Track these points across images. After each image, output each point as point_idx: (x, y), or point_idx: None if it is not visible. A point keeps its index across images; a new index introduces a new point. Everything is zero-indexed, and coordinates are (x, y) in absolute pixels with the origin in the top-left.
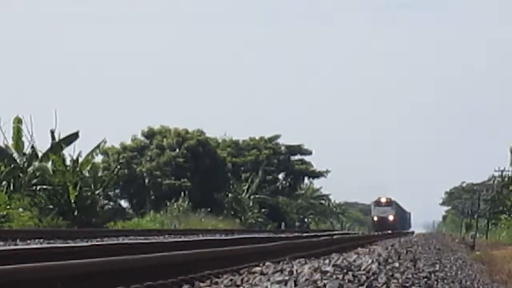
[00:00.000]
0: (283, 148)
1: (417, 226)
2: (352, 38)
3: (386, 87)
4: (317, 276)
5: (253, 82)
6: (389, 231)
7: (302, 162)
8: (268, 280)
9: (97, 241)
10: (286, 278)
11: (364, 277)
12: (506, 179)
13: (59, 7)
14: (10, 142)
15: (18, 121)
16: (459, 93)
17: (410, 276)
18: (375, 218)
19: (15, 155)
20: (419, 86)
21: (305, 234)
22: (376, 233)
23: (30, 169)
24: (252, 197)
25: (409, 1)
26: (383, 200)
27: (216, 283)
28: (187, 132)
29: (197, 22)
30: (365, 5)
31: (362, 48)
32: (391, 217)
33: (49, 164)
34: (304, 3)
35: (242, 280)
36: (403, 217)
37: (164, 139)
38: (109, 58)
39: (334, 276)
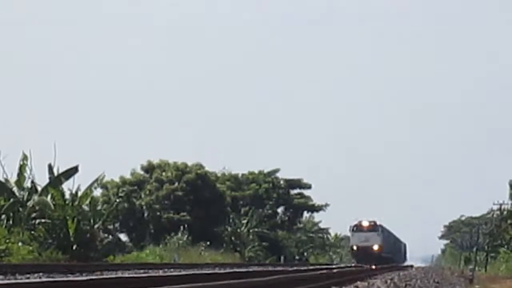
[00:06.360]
0: (282, 182)
1: (416, 259)
2: (350, 67)
3: (383, 119)
4: None
5: (252, 117)
6: (373, 266)
7: (301, 196)
8: None
9: (97, 275)
10: None
11: None
12: (505, 212)
13: (58, 36)
14: (14, 177)
15: (24, 157)
16: (458, 124)
17: None
18: (355, 248)
19: (15, 189)
20: (418, 117)
21: (303, 268)
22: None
23: (30, 203)
24: (251, 230)
25: (408, 14)
26: (365, 223)
27: None
28: (186, 166)
29: (195, 45)
30: (364, 33)
31: (361, 78)
32: (376, 246)
33: (48, 198)
34: (296, 31)
35: None
36: (395, 247)
37: (163, 173)
38: (108, 92)
39: None
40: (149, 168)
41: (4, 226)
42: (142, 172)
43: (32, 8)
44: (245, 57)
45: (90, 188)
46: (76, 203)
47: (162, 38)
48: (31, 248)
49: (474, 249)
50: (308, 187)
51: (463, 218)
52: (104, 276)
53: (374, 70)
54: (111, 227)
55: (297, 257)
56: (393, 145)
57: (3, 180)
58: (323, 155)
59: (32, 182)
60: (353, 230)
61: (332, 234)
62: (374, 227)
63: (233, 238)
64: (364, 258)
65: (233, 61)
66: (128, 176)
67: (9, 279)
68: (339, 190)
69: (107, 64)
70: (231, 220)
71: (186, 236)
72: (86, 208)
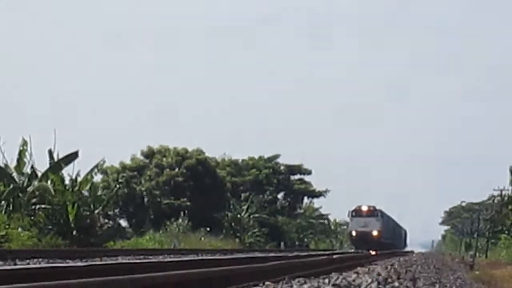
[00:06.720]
0: (282, 167)
1: (416, 245)
2: (351, 56)
3: (385, 106)
4: None
5: (253, 101)
6: (373, 252)
7: (302, 181)
8: None
9: (96, 261)
10: None
11: None
12: (505, 198)
13: (58, 24)
14: (14, 163)
15: (24, 143)
16: (460, 112)
17: None
18: (353, 233)
19: (15, 174)
20: (419, 106)
21: (303, 254)
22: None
23: (30, 189)
24: (251, 216)
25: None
26: (364, 208)
27: None
28: (186, 151)
29: (196, 38)
30: (364, 23)
31: (360, 64)
32: (375, 232)
33: (48, 184)
34: (299, 22)
35: None
36: (395, 232)
37: (164, 159)
38: (108, 77)
39: None
40: (149, 154)
41: (4, 212)
42: (142, 158)
43: (32, 8)
44: (246, 45)
45: (90, 173)
46: (76, 188)
47: (163, 20)
48: (31, 233)
49: (475, 235)
50: (309, 173)
51: (463, 204)
52: (104, 262)
53: (374, 59)
54: (111, 212)
55: (297, 243)
56: (394, 134)
57: (2, 165)
58: (324, 141)
59: (32, 167)
60: (352, 215)
61: (332, 220)
62: (373, 212)
63: (233, 224)
64: (363, 243)
65: (232, 48)
66: (128, 161)
67: (9, 265)
68: (339, 177)
69: (108, 57)
70: (231, 206)
71: (186, 222)
72: (86, 193)
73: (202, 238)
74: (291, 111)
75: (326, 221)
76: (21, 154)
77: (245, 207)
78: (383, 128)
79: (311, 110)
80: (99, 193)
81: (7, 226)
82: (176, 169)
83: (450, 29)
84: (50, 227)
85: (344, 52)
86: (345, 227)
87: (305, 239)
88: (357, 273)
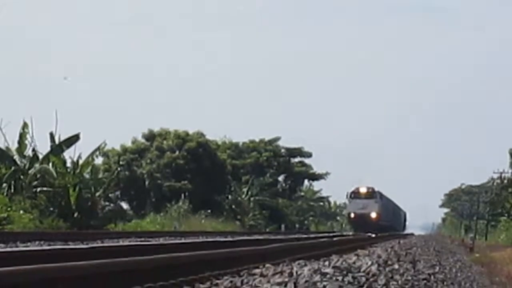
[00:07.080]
0: (283, 150)
1: (416, 227)
2: (350, 39)
3: (386, 89)
4: (317, 277)
5: (253, 84)
6: (372, 235)
7: (302, 164)
8: (268, 281)
9: (97, 243)
10: (286, 279)
11: (363, 279)
12: (505, 181)
13: (59, 9)
14: (15, 146)
15: (25, 125)
16: (459, 95)
17: (409, 278)
18: (352, 215)
19: (16, 157)
20: (420, 88)
21: (304, 236)
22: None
23: (31, 171)
24: (252, 199)
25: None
26: (363, 190)
27: (216, 284)
28: (187, 134)
29: (197, 23)
30: (357, 10)
31: (360, 48)
32: (373, 214)
33: (50, 166)
34: (299, 3)
35: (242, 281)
36: (394, 215)
37: (164, 141)
38: (109, 59)
39: (334, 278)
40: (150, 136)
41: (5, 194)
42: (143, 140)
43: (32, 9)
44: (245, 29)
45: (91, 156)
46: (77, 171)
47: (162, 5)
48: (32, 216)
49: (475, 218)
50: (309, 155)
51: (463, 187)
52: (105, 244)
53: (374, 43)
54: (112, 195)
55: (298, 226)
56: (394, 116)
57: (4, 148)
58: (324, 123)
59: (34, 150)
60: (350, 197)
61: (332, 203)
62: (372, 194)
63: (233, 206)
64: (361, 225)
65: (233, 32)
66: (129, 144)
67: (10, 247)
68: (339, 160)
69: (108, 33)
70: (231, 189)
71: (187, 204)
72: (87, 176)
73: (203, 221)
74: (291, 93)
75: (326, 204)
76: (22, 136)
77: (245, 190)
78: (383, 108)
79: (311, 91)
80: (100, 175)
81: (8, 209)
82: (177, 152)
83: None
84: (51, 209)
85: (342, 31)
86: (344, 209)
87: (306, 222)
88: (357, 255)
